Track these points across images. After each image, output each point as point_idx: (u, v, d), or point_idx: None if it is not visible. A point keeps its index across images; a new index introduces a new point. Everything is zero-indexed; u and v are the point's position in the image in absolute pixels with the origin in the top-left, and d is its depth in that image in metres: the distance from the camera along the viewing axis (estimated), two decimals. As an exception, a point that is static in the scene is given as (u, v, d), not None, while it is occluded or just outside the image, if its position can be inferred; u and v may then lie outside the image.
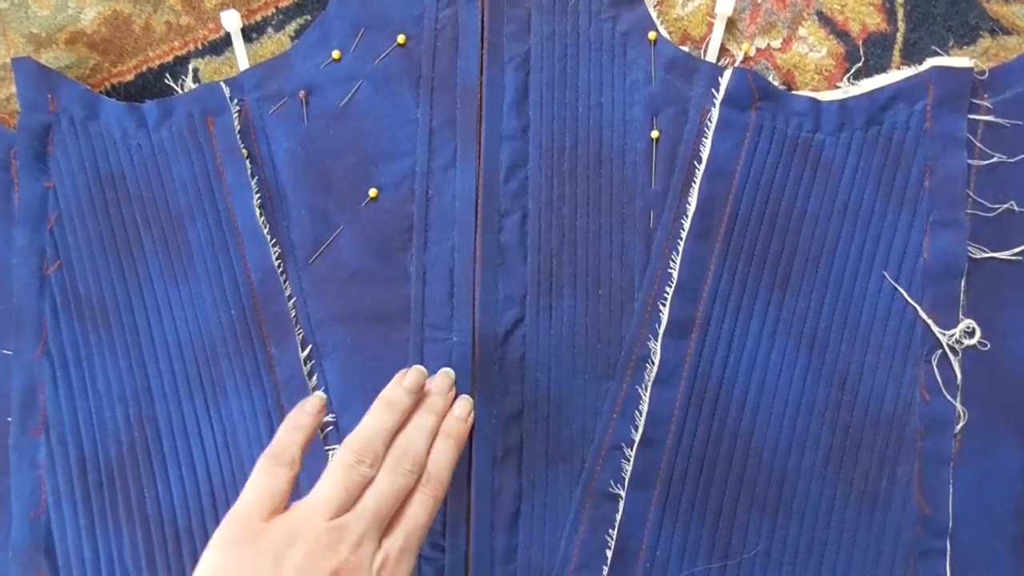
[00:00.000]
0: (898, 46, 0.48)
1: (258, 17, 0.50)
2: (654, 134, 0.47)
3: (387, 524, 0.38)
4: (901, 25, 0.48)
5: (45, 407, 0.46)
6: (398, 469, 0.39)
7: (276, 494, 0.37)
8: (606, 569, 0.45)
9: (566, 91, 0.48)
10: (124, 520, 0.46)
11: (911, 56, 0.48)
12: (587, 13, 0.48)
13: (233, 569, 0.35)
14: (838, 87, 0.48)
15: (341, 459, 0.38)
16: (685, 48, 0.48)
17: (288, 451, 0.39)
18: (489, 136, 0.48)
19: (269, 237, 0.47)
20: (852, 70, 0.48)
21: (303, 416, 0.41)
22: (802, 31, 0.49)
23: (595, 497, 0.45)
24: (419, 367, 0.43)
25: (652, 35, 0.48)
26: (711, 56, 0.48)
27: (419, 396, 0.42)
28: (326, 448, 0.46)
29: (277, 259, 0.47)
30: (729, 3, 0.47)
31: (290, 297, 0.47)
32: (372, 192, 0.48)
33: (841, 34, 0.48)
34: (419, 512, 0.39)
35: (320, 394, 0.42)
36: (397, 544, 0.37)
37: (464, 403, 0.44)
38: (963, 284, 0.45)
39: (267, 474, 0.38)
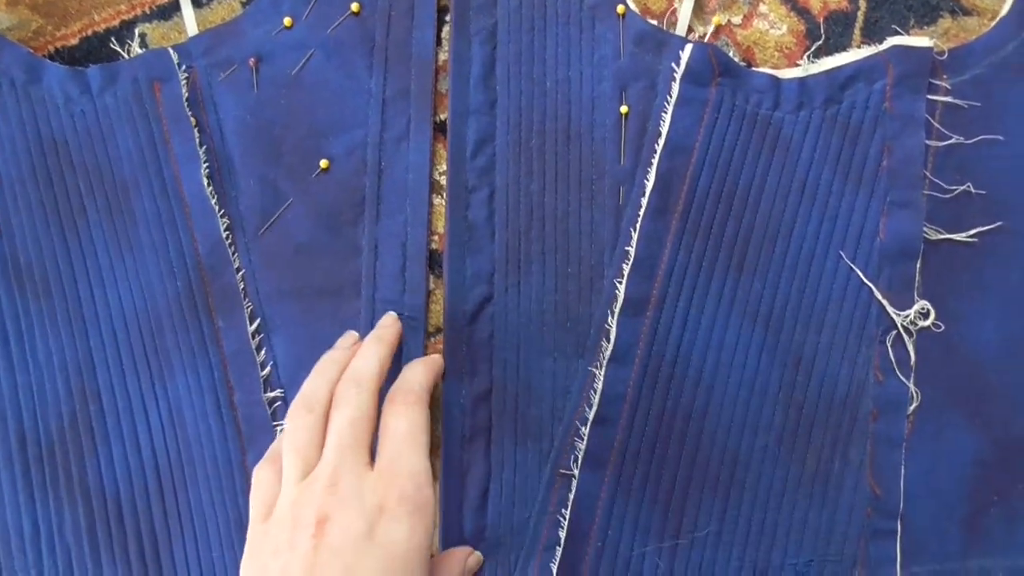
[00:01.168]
0: (859, 24, 0.48)
1: (209, -19, 0.49)
2: (623, 109, 0.46)
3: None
4: (862, 4, 0.48)
5: (-17, 380, 0.45)
6: (345, 397, 0.39)
7: (266, 494, 0.38)
8: (559, 550, 0.44)
9: (533, 65, 0.47)
10: (65, 495, 0.45)
11: (872, 35, 0.47)
12: None
13: None
14: (798, 65, 0.47)
15: (287, 429, 0.39)
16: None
17: (274, 450, 0.40)
18: (456, 110, 0.47)
19: (217, 208, 0.46)
20: (812, 48, 0.48)
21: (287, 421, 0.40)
22: (763, 8, 0.48)
23: (562, 478, 0.45)
24: (350, 332, 0.45)
25: (620, 8, 0.47)
26: (680, 30, 0.47)
27: (354, 352, 0.42)
28: (274, 424, 0.45)
29: (225, 231, 0.46)
30: None
31: (238, 270, 0.46)
32: (323, 163, 0.47)
33: (802, 11, 0.48)
34: (395, 421, 0.38)
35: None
36: (384, 457, 0.37)
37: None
38: (918, 265, 0.45)
39: (257, 482, 0.39)
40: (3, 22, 0.48)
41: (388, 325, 0.44)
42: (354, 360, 0.41)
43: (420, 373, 0.41)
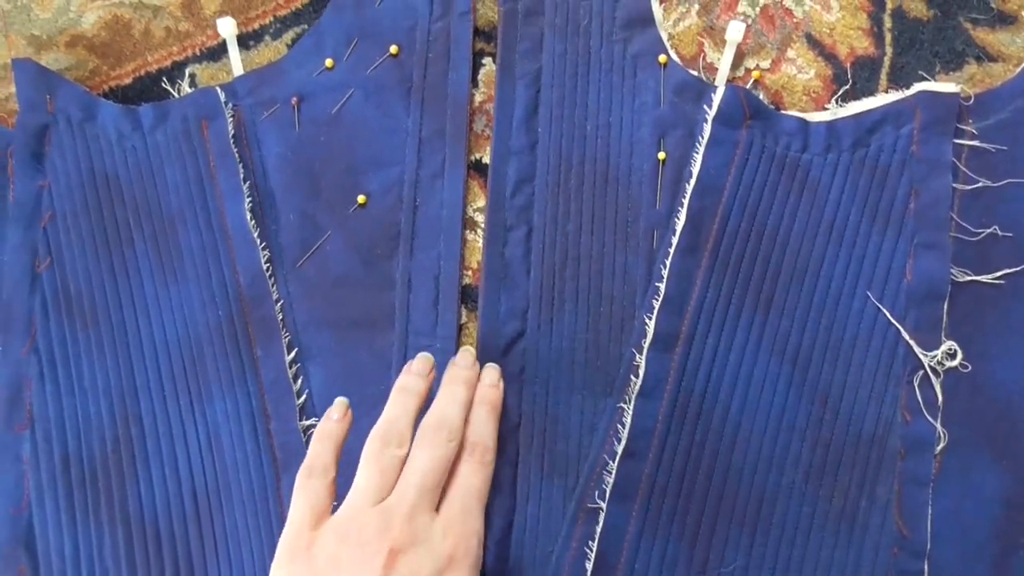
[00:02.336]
0: (885, 70, 0.49)
1: (256, 25, 0.51)
2: (660, 155, 0.48)
3: (440, 495, 0.39)
4: (889, 49, 0.49)
5: (31, 403, 0.47)
6: (434, 441, 0.40)
7: (317, 504, 0.39)
8: (587, 583, 0.45)
9: (575, 109, 0.49)
10: (105, 518, 0.46)
11: (898, 80, 0.48)
12: (599, 34, 0.49)
13: None
14: (826, 108, 0.48)
15: (369, 449, 0.39)
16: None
17: (320, 460, 0.40)
18: (498, 151, 0.48)
19: (258, 241, 0.48)
20: (840, 92, 0.49)
21: (329, 424, 0.42)
22: (791, 53, 0.49)
23: (587, 512, 0.45)
24: (424, 354, 0.44)
25: (662, 58, 0.48)
26: (720, 81, 0.49)
27: (430, 380, 0.43)
28: (308, 452, 0.46)
29: (266, 263, 0.48)
30: (739, 29, 0.48)
31: (277, 300, 0.48)
32: (360, 199, 0.48)
33: (829, 57, 0.49)
34: (471, 478, 0.40)
35: (342, 400, 0.43)
36: (455, 507, 0.39)
37: (492, 371, 0.45)
38: (945, 306, 0.46)
39: (304, 488, 0.39)
40: (62, 62, 0.51)
41: (469, 367, 0.44)
42: (443, 404, 0.42)
43: (491, 426, 0.43)
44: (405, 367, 0.44)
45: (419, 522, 0.38)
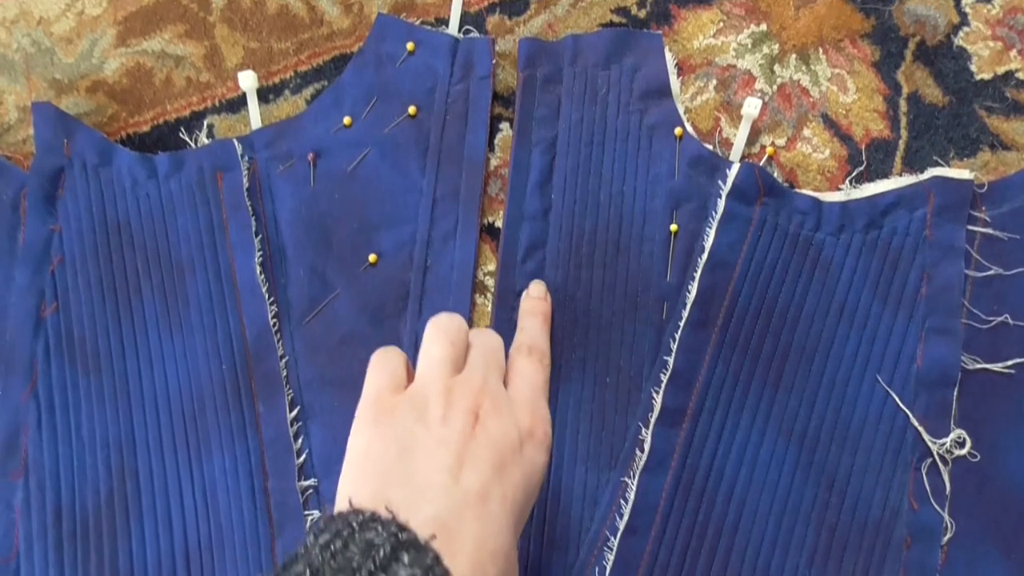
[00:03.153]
0: (900, 153, 0.49)
1: (276, 79, 0.51)
2: (673, 227, 0.48)
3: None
4: (904, 133, 0.49)
5: (27, 450, 0.46)
6: (486, 337, 0.41)
7: (396, 372, 0.39)
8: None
9: (590, 177, 0.49)
10: (94, 574, 0.45)
11: (912, 164, 0.49)
12: (616, 104, 0.49)
13: (380, 443, 0.35)
14: (840, 189, 0.49)
15: (436, 325, 0.39)
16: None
17: (392, 352, 0.40)
18: (511, 215, 0.48)
19: (267, 295, 0.47)
20: (854, 173, 0.49)
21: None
22: (807, 132, 0.49)
23: None
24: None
25: (678, 131, 0.48)
26: (735, 155, 0.49)
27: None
28: (306, 513, 0.46)
29: (273, 318, 0.47)
30: (756, 105, 0.48)
31: (282, 356, 0.47)
32: (372, 257, 0.48)
33: (845, 137, 0.49)
34: (535, 374, 0.40)
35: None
36: (526, 393, 0.39)
37: (538, 286, 0.47)
38: (955, 393, 0.45)
39: (380, 360, 0.39)
40: (82, 107, 0.51)
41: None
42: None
43: (545, 334, 0.45)
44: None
45: (498, 391, 0.38)
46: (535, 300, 0.46)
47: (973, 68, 0.50)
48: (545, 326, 0.45)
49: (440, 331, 0.39)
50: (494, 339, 0.41)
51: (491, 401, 0.37)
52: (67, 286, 0.48)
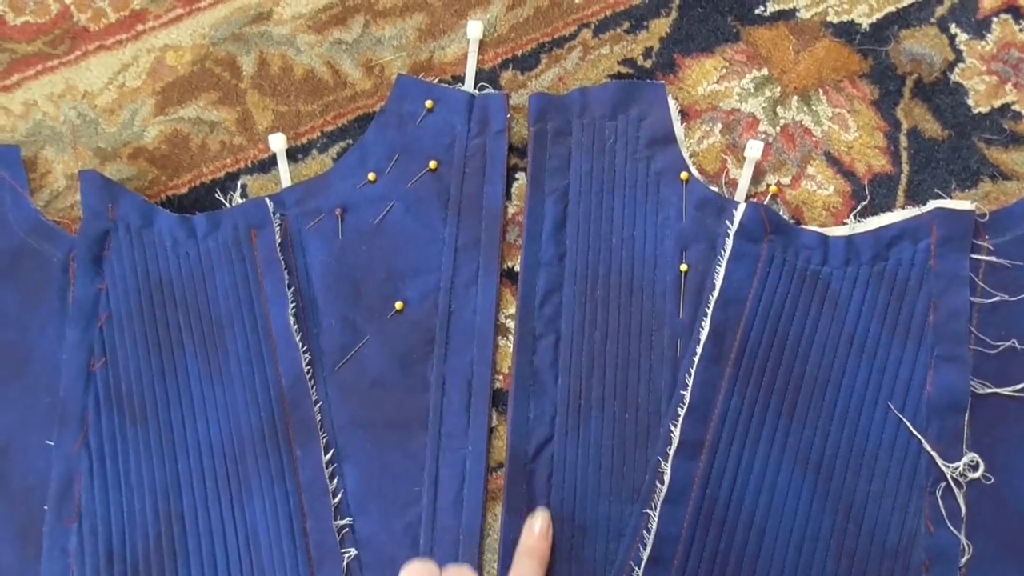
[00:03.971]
0: (902, 187, 0.51)
1: (304, 140, 0.54)
2: (683, 267, 0.50)
3: None
4: (905, 167, 0.51)
5: (80, 497, 0.49)
6: None
7: None
8: None
9: (601, 223, 0.51)
10: (145, 613, 0.48)
11: (915, 197, 0.50)
12: (624, 152, 0.52)
13: None
14: (845, 223, 0.50)
15: None
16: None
17: None
18: (528, 262, 0.51)
19: (300, 344, 0.50)
20: (858, 208, 0.51)
21: None
22: (811, 169, 0.51)
23: None
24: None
25: (684, 175, 0.51)
26: (740, 196, 0.51)
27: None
28: (342, 551, 0.48)
29: (307, 365, 0.50)
30: (758, 147, 0.50)
31: (316, 402, 0.50)
32: (398, 305, 0.51)
33: (848, 174, 0.51)
34: None
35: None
36: None
37: (543, 518, 0.46)
38: (967, 418, 0.46)
39: None
40: (124, 172, 0.55)
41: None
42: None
43: (534, 570, 0.44)
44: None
45: None
46: (535, 540, 0.46)
47: (970, 102, 0.51)
48: (540, 570, 0.45)
49: None
50: None
51: None
52: (114, 342, 0.51)
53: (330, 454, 0.49)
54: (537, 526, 0.46)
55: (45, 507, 0.49)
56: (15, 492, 0.50)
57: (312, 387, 0.50)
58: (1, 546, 0.49)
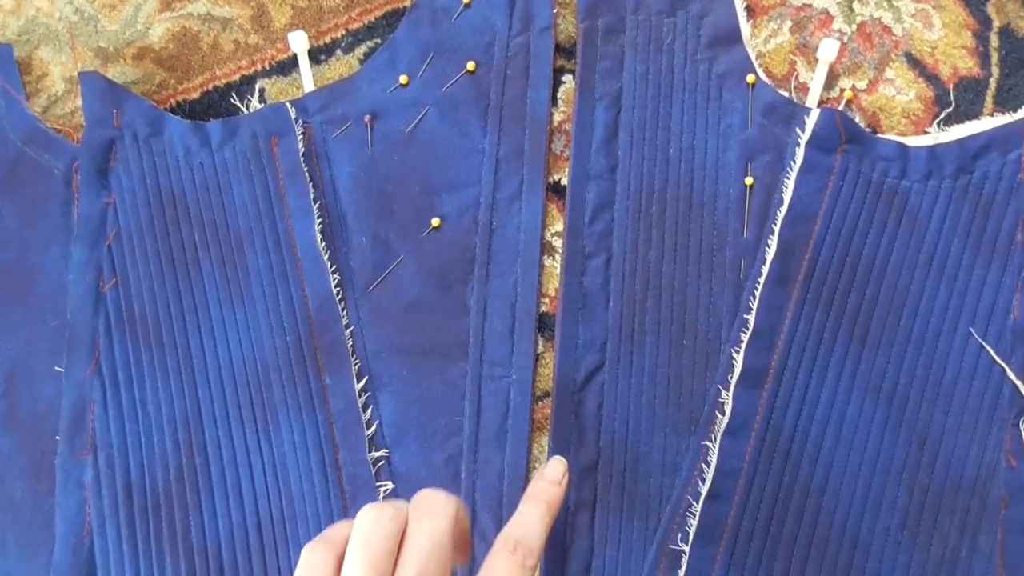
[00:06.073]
0: (991, 92, 0.46)
1: (327, 39, 0.49)
2: (748, 181, 0.45)
3: None
4: (995, 70, 0.46)
5: (94, 427, 0.45)
6: (509, 556, 0.35)
7: None
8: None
9: (657, 132, 0.46)
10: (168, 549, 0.45)
11: (1005, 103, 0.46)
12: (683, 53, 0.47)
13: None
14: (927, 133, 0.46)
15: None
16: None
17: (333, 536, 0.34)
18: (576, 175, 0.46)
19: (328, 263, 0.46)
20: (942, 115, 0.46)
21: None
22: (889, 73, 0.47)
23: (668, 556, 0.43)
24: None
25: (751, 78, 0.46)
26: (812, 102, 0.46)
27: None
28: (378, 484, 0.45)
29: (336, 286, 0.46)
30: (833, 48, 0.45)
31: (347, 326, 0.46)
32: (435, 221, 0.46)
33: (931, 77, 0.47)
34: (504, 573, 0.34)
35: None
36: None
37: (557, 465, 0.40)
38: (1056, 345, 0.43)
39: (306, 562, 0.33)
40: (129, 75, 0.50)
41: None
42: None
43: (542, 527, 0.37)
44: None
45: None
46: (547, 485, 0.39)
47: (1068, -2, 0.46)
48: (547, 518, 0.38)
49: (360, 550, 0.32)
50: (438, 532, 0.33)
51: None
52: (125, 261, 0.47)
53: (363, 382, 0.45)
54: (550, 470, 0.40)
55: (57, 437, 0.45)
56: (24, 422, 0.46)
57: (342, 310, 0.46)
58: (13, 479, 0.46)
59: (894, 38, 0.47)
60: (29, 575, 0.45)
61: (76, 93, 0.49)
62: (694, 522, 0.43)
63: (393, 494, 0.45)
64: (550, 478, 0.39)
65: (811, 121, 0.45)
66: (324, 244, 0.46)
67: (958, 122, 0.46)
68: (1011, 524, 0.42)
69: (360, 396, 0.45)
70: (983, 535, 0.43)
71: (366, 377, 0.46)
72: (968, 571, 0.43)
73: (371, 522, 0.33)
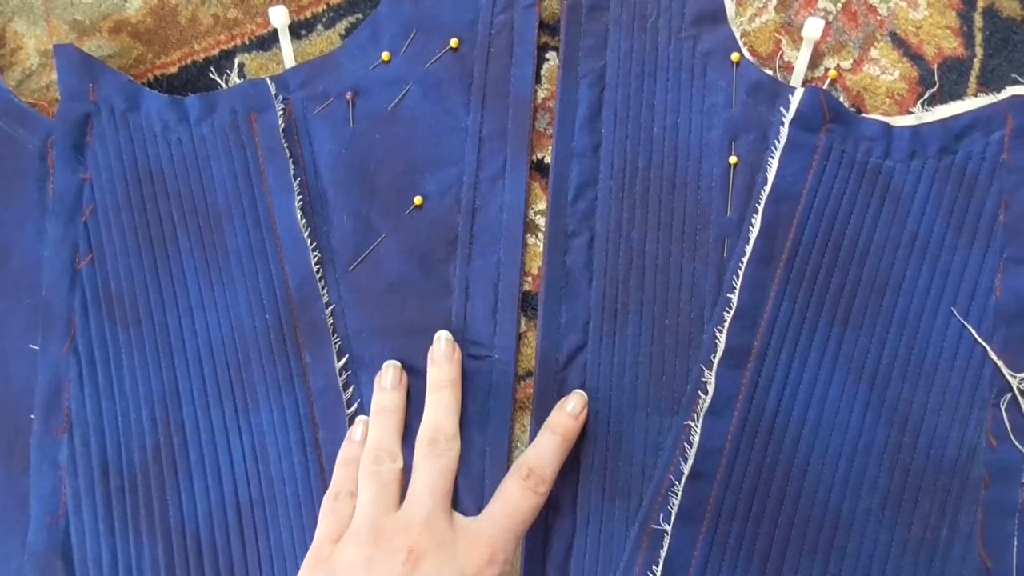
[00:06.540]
0: (975, 72, 0.46)
1: (308, 13, 0.49)
2: (732, 159, 0.45)
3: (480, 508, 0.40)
4: (979, 50, 0.46)
5: (69, 406, 0.45)
6: (432, 452, 0.40)
7: (341, 521, 0.39)
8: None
9: (641, 110, 0.46)
10: (145, 529, 0.44)
11: (989, 83, 0.46)
12: (667, 31, 0.46)
13: None
14: (911, 112, 0.46)
15: (365, 470, 0.41)
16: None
17: (345, 487, 0.41)
18: (559, 153, 0.46)
19: (309, 241, 0.45)
20: (926, 95, 0.46)
21: (353, 447, 0.42)
22: (874, 52, 0.46)
23: (651, 536, 0.43)
24: (392, 363, 0.45)
25: (735, 56, 0.46)
26: (797, 80, 0.46)
27: (404, 390, 0.44)
28: (357, 464, 0.44)
29: (316, 264, 0.45)
30: (818, 26, 0.45)
31: (328, 305, 0.45)
32: (417, 200, 0.46)
33: (915, 57, 0.46)
34: (520, 502, 0.39)
35: (364, 417, 0.44)
36: (495, 523, 0.38)
37: (578, 398, 0.43)
38: (1037, 325, 0.43)
39: (329, 512, 0.40)
40: (105, 49, 0.49)
41: (449, 359, 0.44)
42: (433, 415, 0.42)
43: (556, 457, 0.41)
44: (377, 380, 0.44)
45: (439, 527, 0.38)
46: (564, 417, 0.42)
47: (1052, -21, 0.46)
48: (562, 448, 0.41)
49: (368, 473, 0.40)
50: (445, 460, 0.40)
51: (430, 539, 0.37)
52: (101, 237, 0.46)
53: (343, 360, 0.45)
54: (571, 404, 0.43)
55: (32, 416, 0.45)
56: (-2, 400, 0.45)
57: (323, 288, 0.45)
58: (-16, 458, 0.45)
59: (879, 17, 0.47)
60: (4, 555, 0.45)
61: (51, 67, 0.48)
62: (676, 501, 0.43)
63: (374, 474, 0.44)
64: (569, 411, 0.42)
65: (795, 100, 0.45)
66: (304, 222, 0.46)
67: (942, 102, 0.46)
68: (990, 504, 0.42)
69: (341, 375, 0.45)
70: (963, 514, 0.43)
71: (347, 356, 0.45)
72: (948, 550, 0.43)
73: (379, 452, 0.42)
